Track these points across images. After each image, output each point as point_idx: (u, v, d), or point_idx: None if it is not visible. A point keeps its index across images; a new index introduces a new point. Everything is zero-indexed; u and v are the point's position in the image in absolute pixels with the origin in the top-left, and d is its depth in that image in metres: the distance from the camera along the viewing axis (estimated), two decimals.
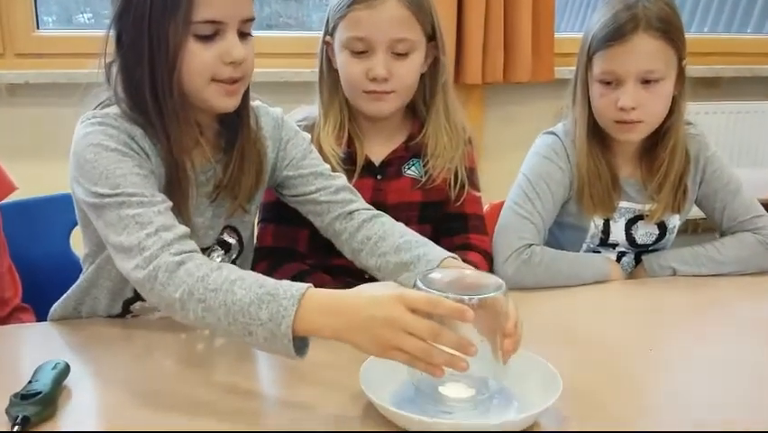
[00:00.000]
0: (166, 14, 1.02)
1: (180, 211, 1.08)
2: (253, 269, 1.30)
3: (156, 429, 0.88)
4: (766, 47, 3.16)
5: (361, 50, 1.28)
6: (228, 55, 1.06)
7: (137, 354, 1.09)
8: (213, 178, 1.16)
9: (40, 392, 0.89)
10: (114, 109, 1.09)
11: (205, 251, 1.18)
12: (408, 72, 1.30)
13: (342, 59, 1.31)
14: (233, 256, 1.25)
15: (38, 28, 2.43)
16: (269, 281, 0.92)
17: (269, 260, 1.30)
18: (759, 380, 1.03)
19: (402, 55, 1.29)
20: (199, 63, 1.05)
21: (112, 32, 1.07)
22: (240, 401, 0.96)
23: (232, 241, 1.24)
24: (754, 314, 1.32)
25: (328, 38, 1.34)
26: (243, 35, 1.09)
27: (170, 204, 1.04)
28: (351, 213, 1.23)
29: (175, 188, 1.08)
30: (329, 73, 1.36)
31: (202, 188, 1.15)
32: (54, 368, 0.95)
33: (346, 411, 0.91)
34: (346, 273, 1.35)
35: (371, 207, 1.25)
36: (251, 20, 1.10)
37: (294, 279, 1.19)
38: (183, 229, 1.01)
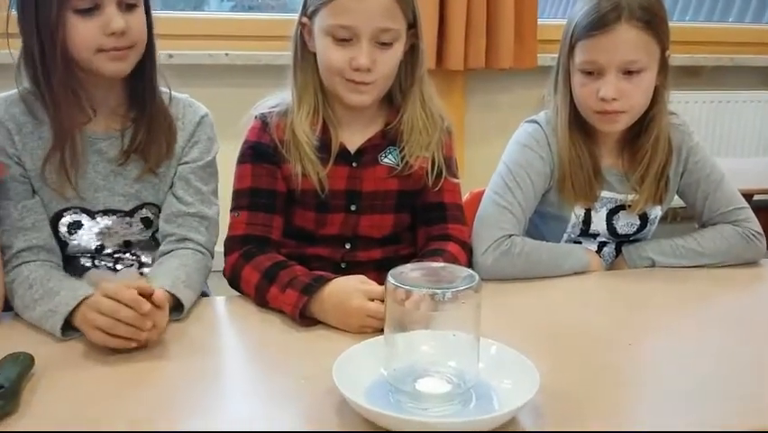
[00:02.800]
0: None
1: (69, 179, 1.19)
2: (225, 261, 1.29)
3: (124, 424, 0.86)
4: (748, 36, 3.17)
5: (345, 38, 1.25)
6: (108, 27, 1.14)
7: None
8: (118, 145, 1.25)
9: (2, 386, 0.87)
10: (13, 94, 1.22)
11: (126, 214, 1.27)
12: (390, 61, 1.28)
13: (323, 45, 1.27)
14: (155, 230, 1.31)
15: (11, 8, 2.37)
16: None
17: (241, 250, 1.28)
18: (739, 372, 1.03)
19: (386, 45, 1.26)
20: (81, 36, 1.14)
21: (14, 12, 1.17)
22: (211, 394, 0.95)
23: (152, 216, 1.30)
24: (733, 306, 1.32)
25: (305, 19, 1.30)
26: (130, 7, 1.17)
27: (24, 204, 1.19)
28: (184, 239, 1.27)
29: (64, 158, 1.18)
30: (303, 56, 1.33)
31: (103, 155, 1.24)
32: (18, 361, 0.93)
33: (321, 405, 0.90)
34: (321, 262, 1.33)
35: (201, 245, 1.28)
36: None
37: (265, 273, 1.20)
38: (18, 246, 1.18)
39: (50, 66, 1.15)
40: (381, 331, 0.93)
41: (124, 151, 1.24)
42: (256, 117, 1.35)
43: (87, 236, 1.26)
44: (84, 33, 1.14)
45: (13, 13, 1.17)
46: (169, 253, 1.26)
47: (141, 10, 1.19)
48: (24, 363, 0.94)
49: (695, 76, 3.00)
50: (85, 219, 1.25)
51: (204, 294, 1.30)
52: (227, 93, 1.95)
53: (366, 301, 1.11)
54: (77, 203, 1.23)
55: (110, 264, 1.28)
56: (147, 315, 1.01)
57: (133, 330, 1.01)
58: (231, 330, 1.18)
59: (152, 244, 1.31)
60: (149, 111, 1.25)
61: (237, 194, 1.32)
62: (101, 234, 1.26)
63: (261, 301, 1.21)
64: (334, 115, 1.33)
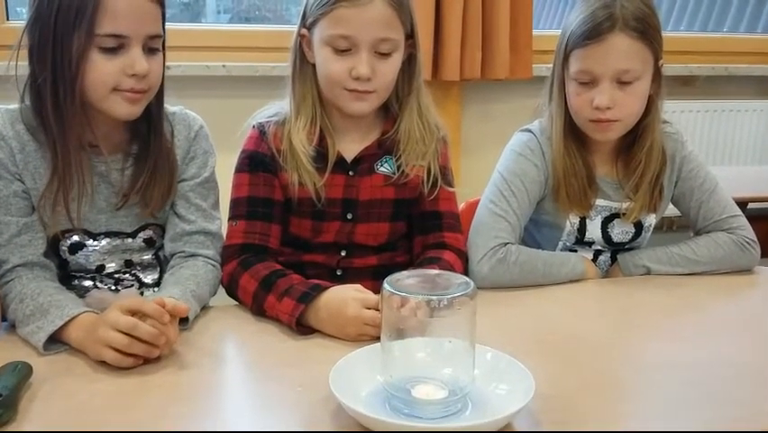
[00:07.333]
0: (71, 26, 1.09)
1: (66, 210, 1.18)
2: (222, 269, 1.30)
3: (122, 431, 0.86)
4: (742, 46, 3.19)
5: (345, 48, 1.26)
6: (131, 68, 1.13)
7: None
8: (119, 184, 1.23)
9: (0, 395, 0.87)
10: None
11: (128, 236, 1.27)
12: (390, 71, 1.29)
13: (322, 56, 1.28)
14: (157, 249, 1.32)
15: (8, 19, 2.38)
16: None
17: (239, 259, 1.28)
18: (735, 378, 1.03)
19: (385, 54, 1.27)
20: (102, 74, 1.13)
21: (25, 39, 1.14)
22: (208, 402, 0.95)
23: (155, 237, 1.30)
24: (728, 313, 1.33)
25: (304, 31, 1.31)
26: (151, 51, 1.17)
27: (25, 222, 1.18)
28: (193, 255, 1.28)
29: (64, 190, 1.17)
30: (302, 67, 1.33)
31: (104, 178, 1.23)
32: (15, 370, 0.93)
33: (317, 413, 0.90)
34: (317, 269, 1.34)
35: (210, 258, 1.29)
36: (158, 36, 1.17)
37: (262, 282, 1.21)
38: (14, 262, 1.17)
39: (62, 101, 1.12)
40: (378, 339, 0.93)
41: (124, 194, 1.23)
42: (254, 127, 1.36)
43: (88, 256, 1.25)
44: (104, 71, 1.12)
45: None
46: (179, 265, 1.26)
47: (161, 55, 1.19)
48: (22, 372, 0.94)
49: (690, 85, 3.02)
50: (86, 240, 1.24)
51: None
52: (224, 104, 1.96)
53: (362, 309, 1.11)
54: (78, 224, 1.22)
55: (110, 285, 1.28)
56: (165, 327, 1.01)
57: (148, 348, 1.01)
58: (227, 339, 1.19)
59: (154, 263, 1.31)
60: (153, 153, 1.23)
61: (235, 203, 1.33)
62: (102, 253, 1.26)
63: (258, 310, 1.21)
64: (332, 124, 1.34)
